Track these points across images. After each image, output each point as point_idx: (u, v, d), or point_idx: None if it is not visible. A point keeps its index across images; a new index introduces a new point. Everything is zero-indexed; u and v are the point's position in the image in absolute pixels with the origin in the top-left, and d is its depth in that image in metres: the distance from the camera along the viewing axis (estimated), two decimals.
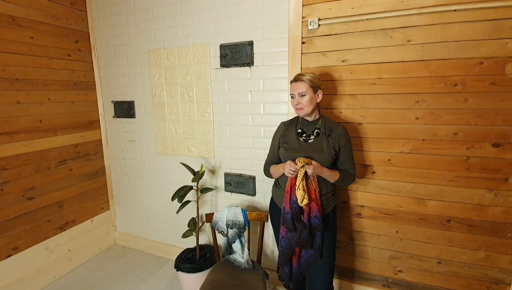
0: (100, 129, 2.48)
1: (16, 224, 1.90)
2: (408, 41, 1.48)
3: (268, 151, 1.57)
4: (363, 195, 1.72)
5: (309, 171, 1.28)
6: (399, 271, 1.73)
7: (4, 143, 1.81)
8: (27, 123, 1.93)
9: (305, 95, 1.34)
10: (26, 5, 1.89)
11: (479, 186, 1.48)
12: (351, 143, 1.43)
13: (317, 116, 1.43)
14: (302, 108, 1.36)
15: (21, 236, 1.93)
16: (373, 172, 1.67)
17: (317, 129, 1.39)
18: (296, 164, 1.29)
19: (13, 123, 1.85)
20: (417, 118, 1.53)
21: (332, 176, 1.36)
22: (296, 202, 1.30)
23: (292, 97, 1.38)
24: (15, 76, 1.85)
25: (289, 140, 1.42)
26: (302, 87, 1.34)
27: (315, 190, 1.32)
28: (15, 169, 1.88)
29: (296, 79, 1.37)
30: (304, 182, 1.29)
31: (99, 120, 2.47)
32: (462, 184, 1.51)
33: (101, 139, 2.49)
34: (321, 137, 1.38)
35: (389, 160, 1.63)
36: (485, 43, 1.36)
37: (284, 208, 1.36)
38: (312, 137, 1.38)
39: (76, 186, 2.29)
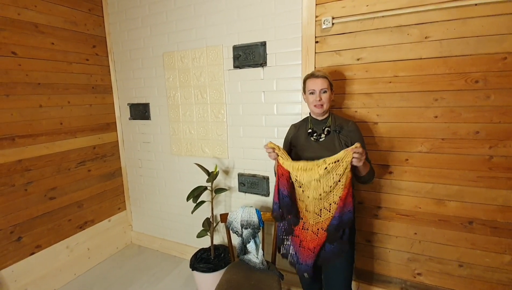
0: (116, 131, 2.55)
1: (39, 223, 1.98)
2: (425, 37, 1.44)
3: None
4: (380, 195, 1.69)
5: (356, 161, 1.14)
6: (418, 274, 1.68)
7: (28, 145, 1.89)
8: (49, 125, 2.01)
9: (326, 91, 1.32)
10: (48, 13, 1.97)
11: (504, 187, 1.42)
12: (363, 138, 1.40)
13: (327, 115, 1.40)
14: (322, 105, 1.32)
15: (44, 234, 2.01)
16: (390, 172, 1.64)
17: (327, 127, 1.37)
18: (274, 148, 1.28)
19: (35, 126, 1.93)
20: (436, 117, 1.49)
21: (366, 167, 1.29)
22: (288, 197, 1.29)
23: (311, 93, 1.33)
24: (38, 81, 1.93)
25: (300, 141, 1.41)
26: (324, 83, 1.32)
27: (351, 181, 1.21)
28: (38, 170, 1.96)
29: (317, 75, 1.33)
30: (347, 177, 1.16)
31: (115, 122, 2.53)
32: (484, 185, 1.46)
33: (117, 140, 2.56)
34: (332, 135, 1.35)
35: (407, 160, 1.59)
36: (509, 38, 1.31)
37: (281, 191, 1.33)
38: (323, 135, 1.36)
39: (94, 186, 2.36)
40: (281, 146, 1.53)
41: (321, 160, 1.19)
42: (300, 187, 1.26)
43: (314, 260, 1.33)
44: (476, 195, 1.48)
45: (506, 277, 1.50)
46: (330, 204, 1.23)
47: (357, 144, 1.14)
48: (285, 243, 1.42)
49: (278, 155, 1.29)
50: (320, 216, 1.26)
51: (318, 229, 1.28)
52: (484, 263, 1.52)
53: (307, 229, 1.31)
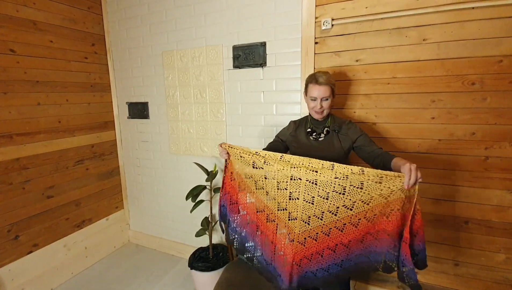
0: (115, 129, 2.54)
1: (37, 221, 1.97)
2: (423, 40, 1.47)
3: (270, 141, 1.52)
4: None
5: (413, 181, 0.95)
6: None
7: (26, 143, 1.88)
8: (47, 124, 2.00)
9: (328, 99, 1.32)
10: (46, 10, 1.97)
11: (499, 187, 1.45)
12: (364, 131, 1.37)
13: (326, 116, 1.41)
14: (322, 112, 1.33)
15: (41, 233, 2.00)
16: None
17: (327, 127, 1.38)
18: (223, 148, 1.24)
19: (34, 124, 1.92)
20: (433, 118, 1.51)
21: None
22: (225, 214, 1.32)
23: (313, 99, 1.33)
24: (36, 79, 1.93)
25: (299, 139, 1.42)
26: (327, 91, 1.30)
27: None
28: (36, 168, 1.95)
29: (321, 82, 1.29)
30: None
31: (114, 121, 2.53)
32: (480, 185, 1.48)
33: (115, 139, 2.56)
34: (331, 135, 1.36)
35: None
36: (505, 41, 1.33)
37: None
38: (322, 135, 1.38)
39: (92, 185, 2.36)
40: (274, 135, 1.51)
41: (327, 163, 1.06)
42: (286, 189, 1.14)
43: (299, 277, 1.19)
44: (471, 195, 1.51)
45: (500, 276, 1.53)
46: (323, 213, 1.10)
47: (401, 175, 0.96)
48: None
49: (229, 157, 1.26)
50: (309, 224, 1.14)
51: (305, 239, 1.16)
52: (480, 262, 1.55)
53: (292, 241, 1.17)
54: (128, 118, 2.47)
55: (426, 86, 1.50)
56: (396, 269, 1.05)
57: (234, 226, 1.33)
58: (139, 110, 2.39)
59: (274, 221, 1.21)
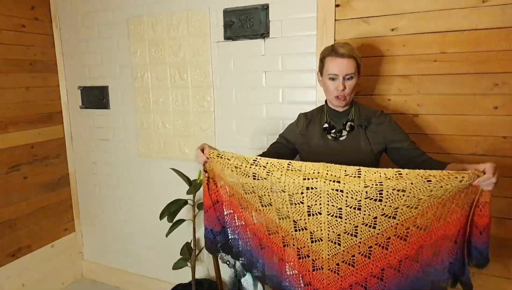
0: (63, 124, 2.54)
1: None
2: (483, 1, 1.46)
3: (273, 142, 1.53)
4: None
5: (489, 186, 0.99)
6: None
7: None
8: None
9: (352, 78, 1.29)
10: None
11: None
12: (403, 130, 1.36)
13: (349, 105, 1.39)
14: (345, 97, 1.29)
15: None
16: None
17: (350, 121, 1.36)
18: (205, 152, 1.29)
19: None
20: (496, 108, 1.51)
21: None
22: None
23: (332, 78, 1.30)
24: None
25: (312, 139, 1.40)
26: (351, 65, 1.27)
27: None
28: None
29: (342, 53, 1.27)
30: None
31: (61, 112, 2.53)
32: None
33: (64, 137, 2.56)
34: (357, 131, 1.35)
35: None
36: None
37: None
38: (344, 132, 1.36)
39: (31, 199, 2.35)
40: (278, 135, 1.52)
41: (352, 168, 1.05)
42: (301, 202, 1.14)
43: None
44: None
45: None
46: (357, 227, 1.12)
47: (476, 171, 0.97)
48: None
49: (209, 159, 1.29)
50: (339, 244, 1.14)
51: (338, 264, 1.16)
52: None
53: (321, 268, 1.18)
54: (81, 108, 2.47)
55: (487, 65, 1.49)
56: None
57: (248, 249, 1.38)
58: (96, 97, 2.39)
59: (294, 245, 1.22)
